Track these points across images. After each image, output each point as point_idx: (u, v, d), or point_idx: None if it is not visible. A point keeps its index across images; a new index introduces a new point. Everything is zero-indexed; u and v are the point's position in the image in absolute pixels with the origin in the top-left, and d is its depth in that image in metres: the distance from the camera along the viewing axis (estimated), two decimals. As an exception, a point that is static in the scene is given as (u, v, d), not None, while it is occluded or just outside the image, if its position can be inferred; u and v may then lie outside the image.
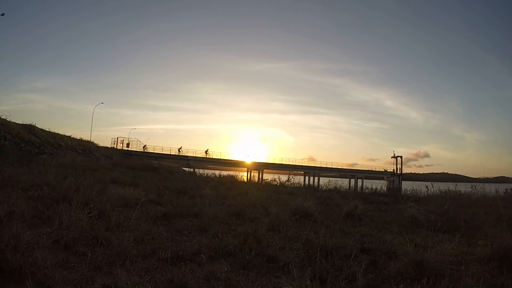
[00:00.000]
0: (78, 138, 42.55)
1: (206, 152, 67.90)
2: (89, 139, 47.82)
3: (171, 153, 65.96)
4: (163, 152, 65.22)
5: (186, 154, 66.46)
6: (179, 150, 67.60)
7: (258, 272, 5.02)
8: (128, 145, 62.71)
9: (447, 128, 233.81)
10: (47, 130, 34.57)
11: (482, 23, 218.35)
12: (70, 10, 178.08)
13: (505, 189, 19.53)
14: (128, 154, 53.15)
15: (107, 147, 53.56)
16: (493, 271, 5.28)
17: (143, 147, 65.50)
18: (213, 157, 69.15)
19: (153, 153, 63.27)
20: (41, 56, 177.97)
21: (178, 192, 12.76)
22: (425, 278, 4.52)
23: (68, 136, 39.48)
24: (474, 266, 5.51)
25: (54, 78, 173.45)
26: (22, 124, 30.31)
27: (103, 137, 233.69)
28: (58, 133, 36.72)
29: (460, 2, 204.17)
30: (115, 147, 59.42)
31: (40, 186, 9.32)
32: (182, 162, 62.56)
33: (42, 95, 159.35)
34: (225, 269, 5.04)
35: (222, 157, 70.14)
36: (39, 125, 33.98)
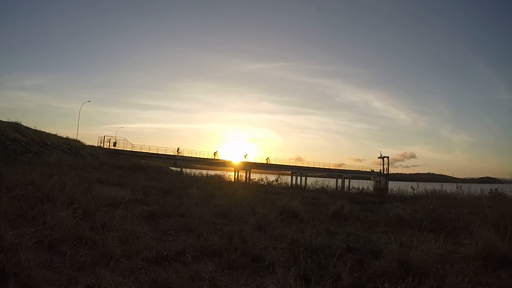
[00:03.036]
0: (64, 136, 42.29)
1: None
2: (75, 138, 47.48)
3: (159, 152, 65.67)
4: (150, 152, 64.92)
5: (173, 154, 66.28)
6: (214, 153, 69.33)
7: (243, 271, 4.98)
8: (115, 144, 62.19)
9: (435, 129, 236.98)
10: (33, 128, 34.35)
11: (471, 26, 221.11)
12: (62, 9, 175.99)
13: (490, 189, 19.66)
14: (115, 153, 52.77)
15: (94, 146, 53.14)
16: (478, 270, 5.34)
17: (177, 150, 66.05)
18: (201, 156, 69.09)
19: (141, 152, 62.89)
20: (31, 54, 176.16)
21: (164, 191, 12.71)
22: (410, 277, 4.56)
23: (54, 134, 39.29)
24: (459, 264, 5.59)
25: (44, 76, 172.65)
26: (8, 122, 30.02)
27: (92, 135, 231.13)
28: (44, 132, 36.45)
29: (449, 5, 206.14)
30: (102, 146, 58.90)
31: (24, 186, 9.24)
32: (170, 162, 62.29)
33: (31, 93, 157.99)
34: (210, 269, 5.06)
35: (209, 157, 70.02)
36: (28, 123, 33.79)
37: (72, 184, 9.95)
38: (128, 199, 8.84)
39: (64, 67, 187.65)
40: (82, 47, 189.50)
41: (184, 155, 67.01)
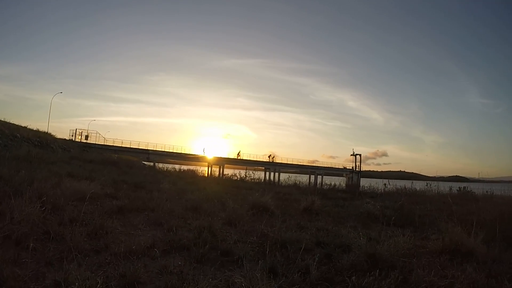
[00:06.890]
0: (34, 129, 41.15)
1: None
2: (46, 131, 46.36)
3: (132, 146, 64.91)
4: (123, 146, 64.08)
5: (147, 148, 65.71)
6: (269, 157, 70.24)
7: (212, 265, 5.07)
8: (87, 137, 61.17)
9: (407, 129, 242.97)
10: (2, 120, 33.34)
11: (446, 31, 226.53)
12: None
13: (458, 188, 20.41)
14: (87, 147, 51.88)
15: (65, 139, 51.83)
16: (444, 264, 5.56)
17: (203, 150, 66.84)
18: (175, 151, 68.72)
19: (113, 146, 62.04)
20: (1, 44, 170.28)
21: (135, 186, 12.68)
22: (378, 270, 4.66)
23: (24, 126, 38.07)
24: (426, 258, 5.82)
25: (14, 66, 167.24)
26: (-26, 113, 29.15)
27: (63, 128, 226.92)
28: (13, 123, 35.36)
29: (425, 10, 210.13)
30: (74, 139, 57.75)
31: (-8, 180, 9.05)
32: (143, 156, 61.66)
33: (0, 83, 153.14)
34: (179, 263, 5.09)
35: (183, 151, 69.69)
36: (-4, 114, 32.82)
37: (41, 178, 9.79)
38: (98, 194, 8.78)
39: (36, 58, 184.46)
40: (56, 38, 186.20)
41: (157, 149, 66.47)
